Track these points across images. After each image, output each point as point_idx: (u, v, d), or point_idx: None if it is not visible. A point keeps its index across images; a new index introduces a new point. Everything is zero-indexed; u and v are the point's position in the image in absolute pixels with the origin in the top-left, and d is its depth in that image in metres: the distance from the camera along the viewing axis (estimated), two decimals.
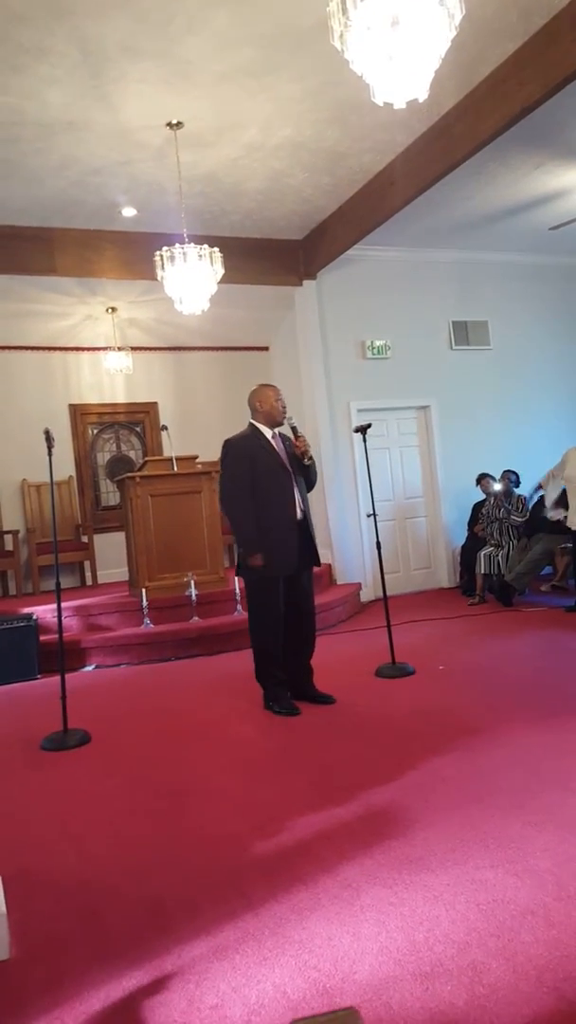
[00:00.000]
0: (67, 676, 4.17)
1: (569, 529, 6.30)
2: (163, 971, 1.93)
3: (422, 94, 2.74)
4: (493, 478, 7.35)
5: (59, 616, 4.25)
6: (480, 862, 2.32)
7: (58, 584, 4.29)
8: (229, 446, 4.27)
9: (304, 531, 4.24)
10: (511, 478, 7.32)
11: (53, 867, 2.57)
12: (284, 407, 4.34)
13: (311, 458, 4.26)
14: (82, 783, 3.39)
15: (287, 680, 4.27)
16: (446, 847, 2.44)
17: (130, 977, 1.91)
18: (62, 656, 4.15)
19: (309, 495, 4.39)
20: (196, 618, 6.29)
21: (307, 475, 4.32)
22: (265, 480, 4.16)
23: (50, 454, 3.99)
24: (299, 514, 4.22)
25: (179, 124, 5.12)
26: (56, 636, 5.88)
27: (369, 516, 7.76)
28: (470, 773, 3.05)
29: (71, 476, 8.52)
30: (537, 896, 2.10)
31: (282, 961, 1.92)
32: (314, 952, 1.95)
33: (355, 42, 2.61)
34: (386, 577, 5.24)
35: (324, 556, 7.45)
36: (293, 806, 2.90)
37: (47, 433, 3.98)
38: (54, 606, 6.19)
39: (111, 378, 8.73)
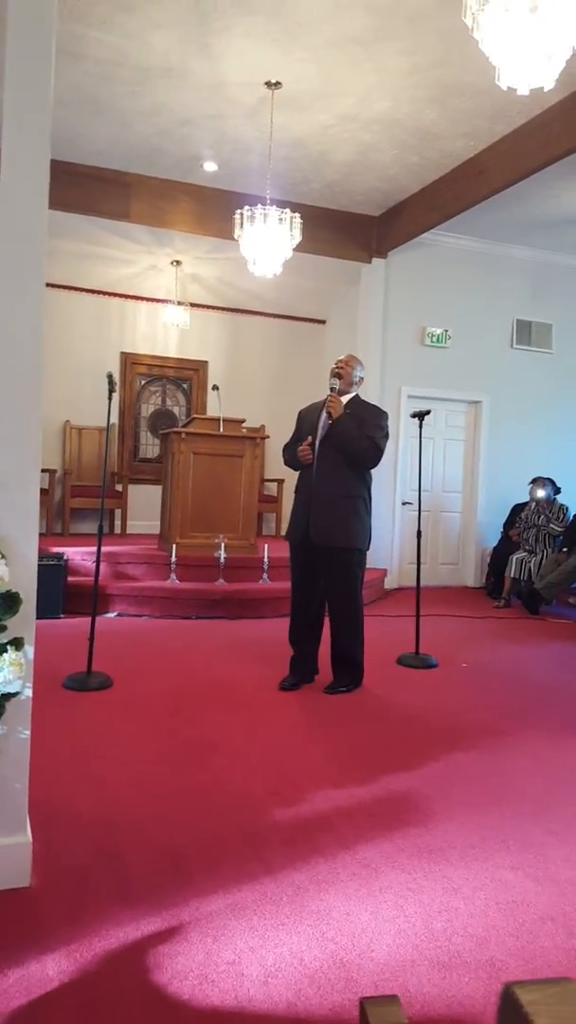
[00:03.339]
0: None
1: None
2: (181, 920, 1.95)
3: (549, 83, 2.67)
4: (549, 483, 7.18)
5: (97, 560, 4.27)
6: (500, 862, 2.32)
7: (100, 529, 4.32)
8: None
9: (313, 503, 3.97)
10: (547, 485, 7.21)
11: (73, 802, 2.60)
12: (334, 371, 4.10)
13: (333, 419, 3.96)
14: (103, 725, 3.43)
15: (297, 652, 4.19)
16: (466, 842, 2.44)
17: (149, 922, 1.93)
18: (95, 599, 4.18)
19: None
20: (222, 580, 6.31)
21: (340, 445, 3.95)
22: (303, 439, 4.12)
23: (110, 398, 3.99)
24: (312, 485, 3.99)
25: (278, 84, 5.04)
26: (83, 579, 5.98)
27: (405, 505, 7.76)
28: (491, 773, 3.05)
29: (114, 424, 8.54)
30: (558, 904, 2.09)
31: (299, 928, 1.93)
32: (331, 924, 1.96)
33: (489, 22, 2.53)
34: (413, 569, 5.21)
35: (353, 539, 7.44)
36: (312, 778, 2.91)
37: (110, 377, 3.96)
38: (83, 548, 6.31)
39: (165, 331, 8.72)
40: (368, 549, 4.22)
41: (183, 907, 2.01)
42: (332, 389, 4.05)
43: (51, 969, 1.73)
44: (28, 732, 2.06)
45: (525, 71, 2.63)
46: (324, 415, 4.05)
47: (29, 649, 2.01)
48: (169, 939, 1.87)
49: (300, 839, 2.42)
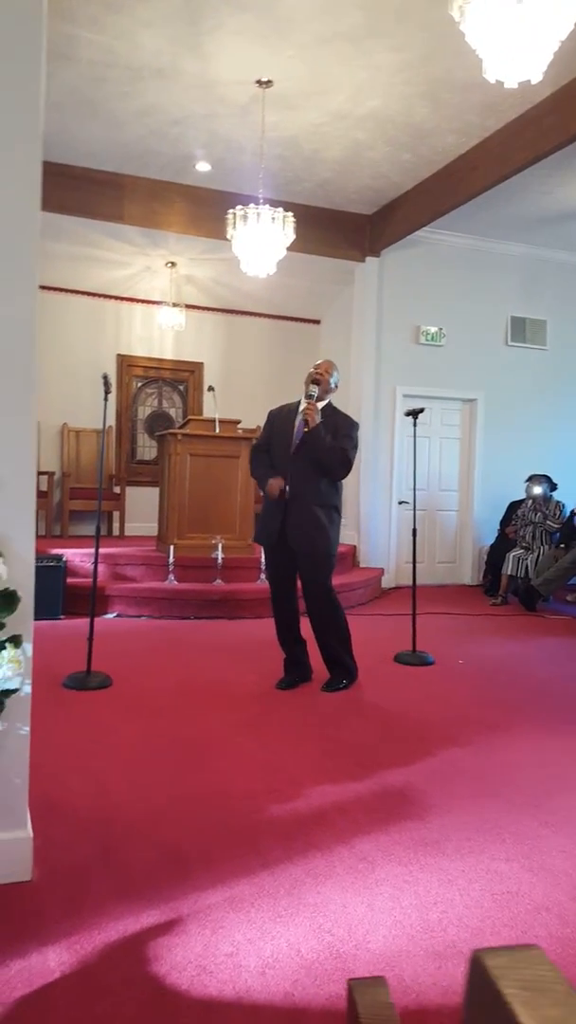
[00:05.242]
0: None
1: None
2: (179, 914, 1.96)
3: (536, 76, 2.69)
4: (545, 480, 7.19)
5: (95, 561, 4.28)
6: (495, 853, 2.33)
7: (98, 530, 4.34)
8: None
9: (288, 509, 3.94)
10: (543, 482, 7.22)
11: (73, 799, 2.62)
12: (311, 377, 4.02)
13: (309, 427, 3.89)
14: (102, 724, 3.44)
15: (288, 654, 4.21)
16: (461, 835, 2.46)
17: (147, 915, 1.95)
18: (93, 599, 4.20)
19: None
20: (219, 581, 6.33)
21: (316, 454, 3.91)
22: (275, 451, 4.09)
23: (106, 399, 4.00)
24: (286, 491, 3.93)
25: (269, 83, 5.07)
26: (82, 580, 6.00)
27: (401, 504, 7.78)
28: (487, 767, 3.06)
29: (111, 426, 8.56)
30: (552, 894, 2.11)
31: (296, 921, 1.95)
32: (328, 917, 1.97)
33: (475, 14, 2.55)
34: (410, 568, 5.23)
35: (350, 538, 7.48)
36: (309, 774, 2.93)
37: (105, 378, 3.98)
38: (82, 550, 6.32)
39: (161, 333, 8.74)
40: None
41: (182, 900, 2.02)
42: (310, 396, 3.98)
43: (52, 961, 1.74)
44: (28, 728, 2.08)
45: (512, 64, 2.65)
46: (299, 422, 4.01)
47: (28, 646, 2.03)
48: (168, 932, 1.89)
49: (297, 834, 2.43)
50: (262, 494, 4.16)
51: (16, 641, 1.98)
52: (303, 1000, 1.66)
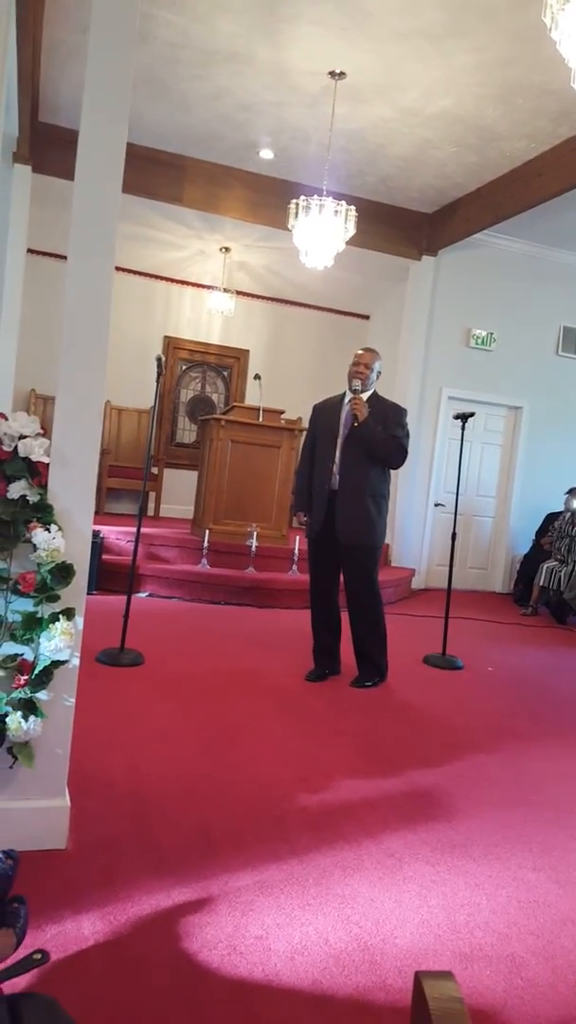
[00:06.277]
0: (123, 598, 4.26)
1: None
2: (210, 893, 1.99)
3: None
4: None
5: (136, 541, 4.33)
6: (523, 862, 2.34)
7: (141, 510, 4.40)
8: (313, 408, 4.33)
9: (338, 502, 3.96)
10: None
11: (106, 773, 2.66)
12: (356, 370, 4.01)
13: (360, 421, 3.89)
14: (135, 700, 3.49)
15: (319, 644, 4.21)
16: (489, 841, 2.46)
17: (178, 891, 1.98)
18: (132, 577, 4.25)
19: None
20: (252, 569, 6.36)
21: (366, 445, 3.93)
22: (321, 444, 4.12)
23: (158, 381, 4.04)
24: (334, 483, 3.98)
25: (342, 74, 5.05)
26: (117, 557, 6.07)
27: (437, 506, 7.75)
28: (515, 776, 3.06)
29: (153, 407, 8.60)
30: None
31: (325, 910, 1.97)
32: (356, 909, 1.99)
33: (570, 22, 2.52)
34: (441, 571, 5.21)
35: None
36: (338, 767, 2.95)
37: (159, 360, 4.02)
38: (118, 528, 6.39)
39: (209, 317, 8.76)
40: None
41: (212, 880, 2.05)
42: (355, 391, 3.99)
43: (86, 929, 1.78)
44: (73, 700, 2.12)
45: None
46: (345, 415, 4.02)
47: (79, 620, 2.07)
48: (199, 910, 1.92)
49: (325, 824, 2.46)
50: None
51: (69, 614, 2.02)
52: (330, 988, 1.68)
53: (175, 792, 2.57)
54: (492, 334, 7.83)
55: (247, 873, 2.11)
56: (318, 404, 4.30)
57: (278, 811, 2.52)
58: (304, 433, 4.32)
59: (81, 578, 2.06)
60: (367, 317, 9.33)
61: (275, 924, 1.89)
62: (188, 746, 3.01)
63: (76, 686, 2.13)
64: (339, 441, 4.01)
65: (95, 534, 5.89)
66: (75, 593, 2.05)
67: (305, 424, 8.05)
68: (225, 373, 9.14)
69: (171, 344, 8.80)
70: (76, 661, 2.09)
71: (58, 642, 1.97)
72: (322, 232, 5.13)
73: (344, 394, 4.11)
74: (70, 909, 1.85)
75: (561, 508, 7.32)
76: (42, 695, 2.00)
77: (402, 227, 7.38)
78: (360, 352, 4.13)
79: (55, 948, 1.70)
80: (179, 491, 8.30)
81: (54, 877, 1.97)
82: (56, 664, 2.00)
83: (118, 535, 6.37)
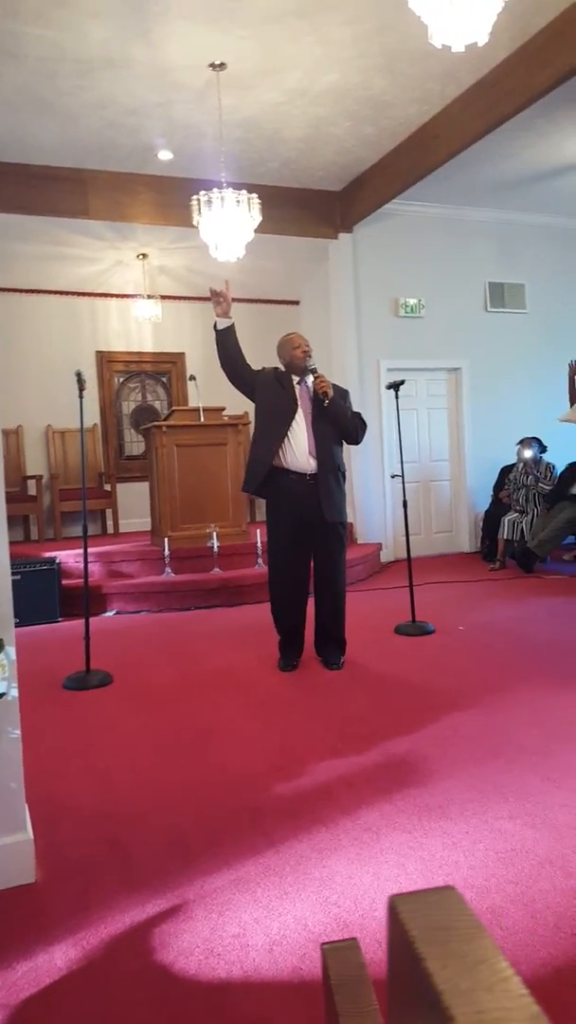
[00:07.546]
0: (90, 620, 4.21)
1: None
2: (185, 899, 1.98)
3: (482, 37, 2.66)
4: (536, 442, 7.19)
5: (85, 560, 4.28)
6: (499, 813, 2.35)
7: (85, 529, 4.33)
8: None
9: (319, 481, 3.96)
10: (533, 445, 7.20)
11: (77, 797, 2.63)
12: (306, 352, 4.07)
13: (329, 399, 3.91)
14: (104, 720, 3.45)
15: (291, 633, 4.18)
16: (465, 797, 2.47)
17: (154, 904, 1.96)
18: (87, 598, 4.20)
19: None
20: (217, 569, 6.33)
21: (337, 423, 4.00)
22: (268, 415, 4.08)
23: (81, 396, 3.98)
24: (311, 464, 3.96)
25: (222, 65, 4.99)
26: (78, 581, 5.99)
27: (394, 477, 7.75)
28: (489, 729, 3.08)
29: (96, 424, 8.53)
30: (555, 848, 2.12)
31: (303, 896, 1.96)
32: (334, 889, 1.99)
33: None
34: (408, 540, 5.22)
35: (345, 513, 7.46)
36: (313, 751, 2.94)
37: (79, 375, 3.96)
38: (76, 551, 6.31)
39: (139, 326, 8.67)
40: None
41: (187, 886, 2.03)
42: (314, 370, 4.01)
43: (59, 959, 1.75)
44: (18, 732, 2.08)
45: (457, 27, 2.61)
46: (304, 396, 4.04)
47: (11, 650, 2.03)
48: (174, 918, 1.90)
49: (302, 810, 2.45)
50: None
51: None
52: (311, 973, 1.67)
53: (149, 804, 2.55)
54: (420, 301, 7.84)
55: (223, 873, 2.10)
56: (263, 371, 4.23)
57: (254, 805, 2.51)
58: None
59: (5, 608, 2.02)
60: (297, 303, 9.30)
61: (252, 919, 1.88)
62: (160, 757, 2.98)
63: (19, 718, 2.09)
64: (309, 422, 4.00)
65: (51, 561, 5.83)
66: (3, 625, 2.01)
67: (249, 418, 8.06)
68: (164, 379, 9.07)
69: (104, 358, 8.70)
70: (14, 693, 2.05)
71: None
72: (228, 224, 5.09)
73: (288, 375, 4.10)
74: (42, 942, 1.82)
75: (514, 460, 7.38)
76: None
77: (314, 208, 7.35)
78: (292, 335, 4.20)
79: (27, 985, 1.67)
80: (135, 504, 8.22)
81: (24, 913, 1.94)
82: None
83: (77, 559, 6.28)
